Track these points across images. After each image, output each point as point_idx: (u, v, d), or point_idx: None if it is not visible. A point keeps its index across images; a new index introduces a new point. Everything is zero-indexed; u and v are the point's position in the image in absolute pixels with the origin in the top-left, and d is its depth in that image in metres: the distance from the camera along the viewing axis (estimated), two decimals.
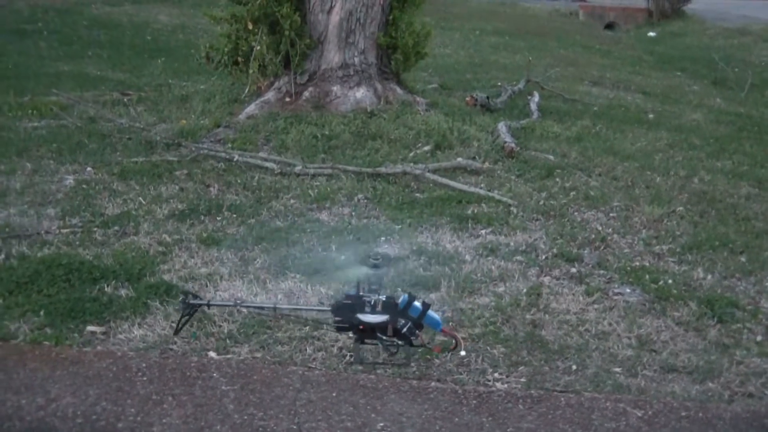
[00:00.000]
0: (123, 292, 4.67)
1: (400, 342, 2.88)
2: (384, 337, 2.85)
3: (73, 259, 5.05)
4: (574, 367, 4.03)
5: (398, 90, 9.18)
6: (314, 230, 5.70)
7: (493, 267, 5.19)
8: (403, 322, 2.85)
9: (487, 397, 3.74)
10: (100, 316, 4.39)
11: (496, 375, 3.96)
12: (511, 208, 6.27)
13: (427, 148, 7.78)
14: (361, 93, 8.78)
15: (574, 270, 5.21)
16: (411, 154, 7.59)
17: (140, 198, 6.24)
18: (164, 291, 4.66)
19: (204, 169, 7.02)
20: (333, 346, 4.13)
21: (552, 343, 4.25)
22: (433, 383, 3.86)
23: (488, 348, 4.18)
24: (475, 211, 6.19)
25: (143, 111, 9.02)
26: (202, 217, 5.90)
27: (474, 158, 7.49)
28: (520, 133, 8.52)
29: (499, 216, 6.10)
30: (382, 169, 7.02)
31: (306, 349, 4.11)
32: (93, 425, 3.43)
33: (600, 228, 5.97)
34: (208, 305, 3.06)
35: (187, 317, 3.06)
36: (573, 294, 4.85)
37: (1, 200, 6.09)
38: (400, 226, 5.84)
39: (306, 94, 8.77)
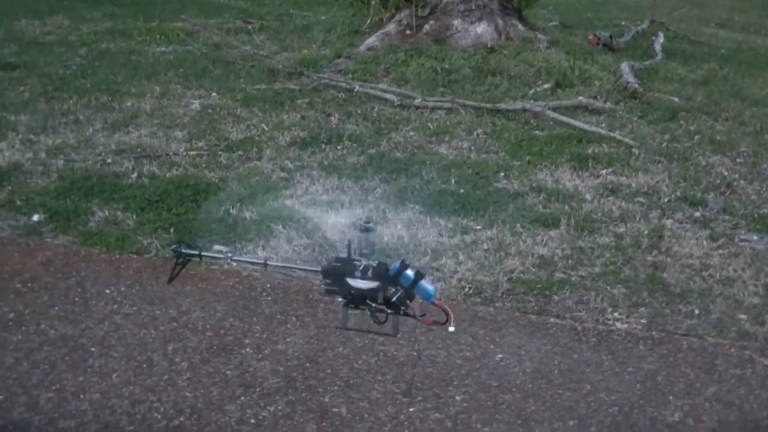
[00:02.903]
0: (247, 214, 4.80)
1: (389, 311, 2.70)
2: (373, 305, 2.67)
3: (199, 180, 5.23)
4: (696, 311, 3.96)
5: (519, 26, 9.02)
6: (433, 163, 5.71)
7: (613, 207, 5.11)
8: (394, 290, 2.67)
9: (607, 336, 3.73)
10: (225, 236, 4.54)
11: (615, 315, 3.93)
12: (633, 150, 6.13)
13: (547, 85, 7.66)
14: (481, 28, 8.67)
15: (697, 214, 5.09)
16: (531, 92, 7.49)
17: (263, 124, 6.37)
18: (287, 215, 4.77)
19: (325, 98, 7.11)
20: (452, 277, 4.17)
21: (674, 286, 4.18)
22: (551, 319, 3.87)
23: (608, 288, 4.15)
24: (596, 150, 6.09)
25: (266, 39, 9.17)
26: (323, 146, 5.99)
27: (595, 98, 7.34)
28: (644, 74, 8.29)
29: (620, 157, 5.98)
30: (502, 105, 6.95)
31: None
32: (221, 339, 3.57)
33: (726, 173, 5.79)
34: (200, 256, 3.02)
35: (180, 266, 3.04)
36: (696, 238, 4.74)
37: (133, 121, 6.32)
38: (519, 163, 5.79)
39: (426, 27, 8.71)
